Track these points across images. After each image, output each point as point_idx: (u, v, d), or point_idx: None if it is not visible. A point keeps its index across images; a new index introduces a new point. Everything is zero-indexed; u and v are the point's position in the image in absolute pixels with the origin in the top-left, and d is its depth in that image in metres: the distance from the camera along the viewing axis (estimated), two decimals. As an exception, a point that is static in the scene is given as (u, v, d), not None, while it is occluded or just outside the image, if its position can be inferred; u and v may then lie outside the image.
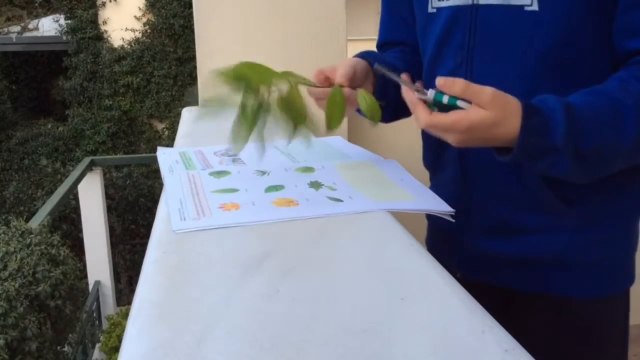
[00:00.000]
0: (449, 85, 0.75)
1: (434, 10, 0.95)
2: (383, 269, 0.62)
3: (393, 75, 0.84)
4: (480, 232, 0.95)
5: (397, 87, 0.85)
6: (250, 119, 0.80)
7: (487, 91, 0.74)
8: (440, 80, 0.76)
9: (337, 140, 1.18)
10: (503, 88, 0.77)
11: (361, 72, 0.94)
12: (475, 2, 0.88)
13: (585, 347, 0.94)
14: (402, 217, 0.78)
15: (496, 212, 0.93)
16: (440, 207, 0.81)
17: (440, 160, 1.01)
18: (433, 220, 1.06)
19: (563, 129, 0.75)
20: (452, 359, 0.47)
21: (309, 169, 0.95)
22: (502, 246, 0.93)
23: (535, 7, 0.82)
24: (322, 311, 0.54)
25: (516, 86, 0.82)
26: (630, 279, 0.96)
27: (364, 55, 1.00)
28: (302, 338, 0.50)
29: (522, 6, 0.83)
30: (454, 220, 0.81)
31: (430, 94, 0.78)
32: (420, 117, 0.78)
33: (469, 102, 0.75)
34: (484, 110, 0.74)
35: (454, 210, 0.80)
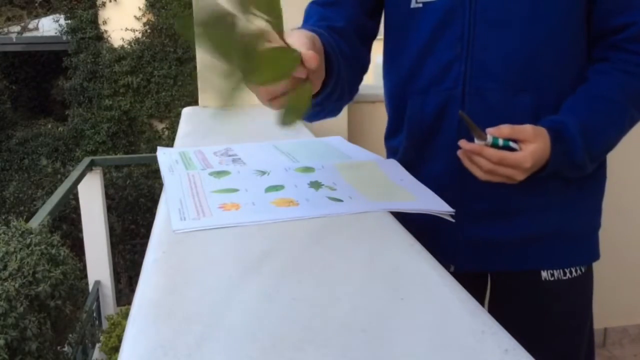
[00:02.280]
0: (498, 131, 0.87)
1: (420, 5, 0.94)
2: (383, 269, 0.62)
3: (476, 129, 0.88)
4: (473, 218, 0.98)
5: (348, 71, 0.88)
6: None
7: (528, 128, 0.87)
8: (489, 130, 0.87)
9: (337, 140, 1.18)
10: (506, 75, 0.90)
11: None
12: None
13: (562, 317, 1.03)
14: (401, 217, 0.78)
15: (492, 197, 0.96)
16: (441, 207, 0.81)
17: (427, 153, 1.00)
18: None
19: (582, 151, 0.90)
20: (452, 359, 0.47)
21: (309, 169, 0.94)
22: (494, 230, 0.98)
23: None
24: (322, 311, 0.54)
25: (519, 71, 0.90)
26: (597, 252, 1.06)
27: (310, 30, 0.87)
28: (302, 338, 0.50)
29: None
30: (454, 220, 0.81)
31: (489, 139, 0.87)
32: (492, 155, 0.86)
33: (515, 141, 0.87)
34: (534, 144, 0.86)
35: (454, 210, 0.80)
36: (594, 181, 1.01)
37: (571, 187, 0.97)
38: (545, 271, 1.00)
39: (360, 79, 1.02)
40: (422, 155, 1.02)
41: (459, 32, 0.92)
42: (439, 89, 0.95)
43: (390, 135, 1.11)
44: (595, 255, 1.05)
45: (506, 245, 0.99)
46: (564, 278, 1.00)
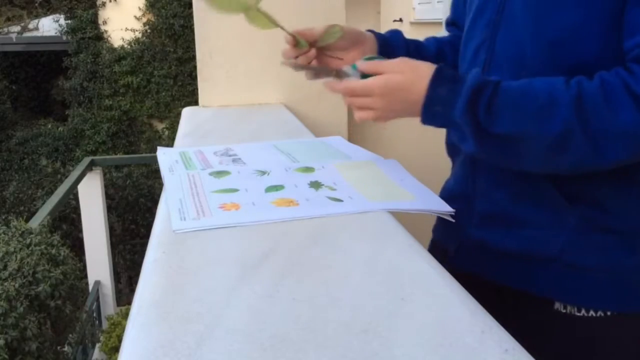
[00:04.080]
0: (364, 66, 0.84)
1: None
2: (383, 269, 0.62)
3: (297, 68, 0.94)
4: (480, 219, 0.93)
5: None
6: None
7: (395, 60, 0.81)
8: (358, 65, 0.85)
9: (337, 140, 1.18)
10: (517, 72, 0.80)
11: (348, 36, 0.99)
12: None
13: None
14: (402, 217, 0.78)
15: (497, 200, 0.91)
16: (441, 207, 0.81)
17: (457, 146, 0.97)
18: None
19: (463, 104, 0.76)
20: (452, 359, 0.47)
21: (309, 169, 0.94)
22: (498, 237, 0.90)
23: None
24: (322, 311, 0.54)
25: (532, 71, 0.81)
26: (635, 304, 0.87)
27: (387, 32, 1.06)
28: (302, 338, 0.50)
29: None
30: (454, 221, 0.81)
31: (347, 69, 0.88)
32: (338, 85, 0.85)
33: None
34: (396, 74, 0.81)
35: (454, 210, 0.80)
36: (619, 220, 0.84)
37: (584, 215, 0.84)
38: (558, 302, 0.87)
39: None
40: (454, 149, 1.03)
41: (489, 17, 0.90)
42: None
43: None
44: (626, 304, 0.86)
45: (511, 258, 0.90)
46: (579, 314, 0.86)
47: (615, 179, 0.82)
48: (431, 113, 0.80)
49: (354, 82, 0.85)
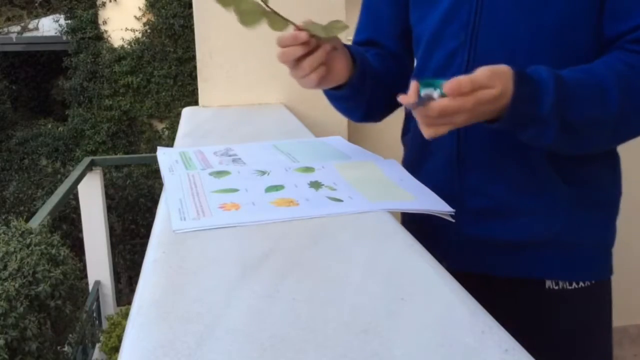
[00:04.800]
0: (456, 89, 0.74)
1: None
2: (383, 269, 0.62)
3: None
4: (472, 216, 0.94)
5: (374, 78, 0.95)
6: None
7: (483, 72, 0.76)
8: (448, 89, 0.75)
9: (337, 140, 1.18)
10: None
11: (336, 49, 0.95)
12: None
13: (571, 332, 0.97)
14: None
15: (491, 195, 0.92)
16: (441, 207, 0.81)
17: (427, 150, 0.99)
18: None
19: (552, 99, 0.78)
20: (452, 359, 0.47)
21: (309, 169, 0.94)
22: (493, 230, 0.93)
23: None
24: (322, 311, 0.54)
25: (521, 63, 0.82)
26: (611, 270, 1.00)
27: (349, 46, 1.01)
28: (302, 338, 0.50)
29: None
30: (454, 220, 0.81)
31: (430, 91, 0.77)
32: (433, 107, 0.75)
33: None
34: (489, 89, 0.75)
35: (454, 210, 0.80)
36: (604, 194, 0.95)
37: (579, 195, 0.91)
38: (550, 280, 0.95)
39: (392, 101, 0.94)
40: (423, 152, 1.02)
41: (465, 19, 0.90)
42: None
43: (403, 132, 1.11)
44: (605, 272, 0.98)
45: (506, 248, 0.94)
46: (570, 287, 0.95)
47: (606, 155, 0.91)
48: (517, 114, 0.78)
49: (447, 103, 0.75)
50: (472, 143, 0.93)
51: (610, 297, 1.01)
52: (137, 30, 9.58)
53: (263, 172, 0.92)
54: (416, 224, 0.88)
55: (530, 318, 0.95)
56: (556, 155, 0.88)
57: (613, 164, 0.96)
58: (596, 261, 0.97)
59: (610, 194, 0.96)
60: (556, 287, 0.95)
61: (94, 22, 9.61)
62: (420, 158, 1.03)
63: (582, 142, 0.85)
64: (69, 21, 9.63)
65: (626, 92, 0.81)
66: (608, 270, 1.00)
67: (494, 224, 0.94)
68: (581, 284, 0.95)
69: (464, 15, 0.90)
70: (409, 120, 1.07)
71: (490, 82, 0.76)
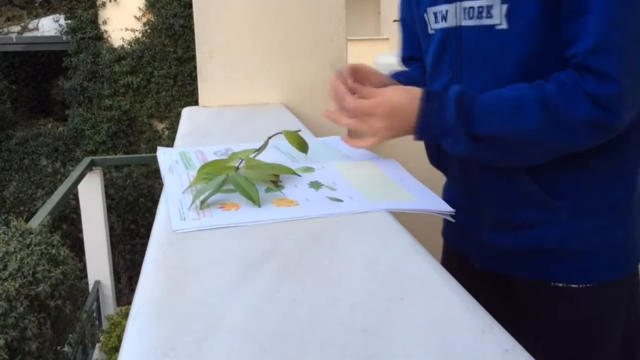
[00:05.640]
0: (370, 92, 0.95)
1: (433, 31, 1.06)
2: (383, 269, 0.62)
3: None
4: (488, 227, 1.04)
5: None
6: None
7: (389, 87, 0.95)
8: (364, 92, 0.96)
9: (337, 141, 1.18)
10: None
11: (368, 74, 1.10)
12: (458, 24, 0.99)
13: (586, 332, 1.00)
14: (402, 217, 0.78)
15: (498, 211, 1.02)
16: (441, 207, 0.81)
17: (443, 161, 1.12)
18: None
19: (453, 112, 0.89)
20: (452, 359, 0.47)
21: (309, 169, 0.95)
22: (506, 240, 1.02)
23: (504, 26, 0.92)
24: (322, 311, 0.54)
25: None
26: (630, 268, 1.01)
27: (392, 75, 1.19)
28: (302, 338, 0.50)
29: (493, 25, 0.93)
30: (454, 220, 0.82)
31: None
32: (348, 101, 0.95)
33: None
34: (394, 96, 0.92)
35: (454, 210, 0.80)
36: (605, 200, 0.97)
37: (572, 207, 0.96)
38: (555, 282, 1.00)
39: None
40: (440, 164, 1.14)
41: (450, 58, 1.02)
42: None
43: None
44: (618, 272, 1.00)
45: (513, 254, 1.02)
46: (574, 286, 0.98)
47: (591, 163, 0.93)
48: (426, 125, 0.91)
49: (362, 101, 0.94)
50: (471, 168, 1.03)
51: (635, 294, 1.01)
52: (137, 30, 9.59)
53: (263, 172, 0.92)
54: (456, 231, 1.08)
55: (536, 315, 1.02)
56: (536, 171, 0.94)
57: (616, 166, 0.96)
58: (604, 264, 0.98)
59: (615, 197, 0.97)
60: (560, 285, 0.99)
61: (94, 22, 9.61)
62: (440, 165, 1.14)
63: (503, 153, 0.91)
64: (69, 21, 9.64)
65: (548, 108, 0.85)
66: (623, 269, 1.00)
67: (504, 233, 1.02)
68: (588, 284, 0.98)
69: (449, 56, 1.02)
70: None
71: (395, 91, 0.94)
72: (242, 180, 0.81)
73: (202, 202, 0.78)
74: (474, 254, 1.09)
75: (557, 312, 1.00)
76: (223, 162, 0.91)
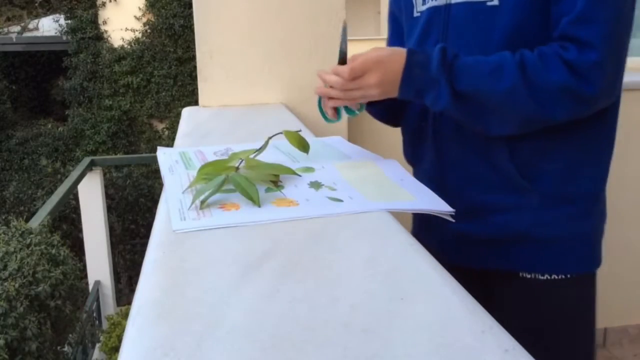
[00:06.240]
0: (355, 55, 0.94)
1: (419, 14, 1.07)
2: (383, 269, 0.62)
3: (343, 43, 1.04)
4: (458, 215, 0.97)
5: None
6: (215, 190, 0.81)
7: (370, 49, 0.95)
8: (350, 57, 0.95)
9: (337, 141, 1.18)
10: None
11: None
12: (448, 2, 0.99)
13: (554, 323, 1.01)
14: (402, 218, 0.78)
15: (469, 195, 1.02)
16: (441, 206, 0.81)
17: (419, 151, 1.12)
18: None
19: (437, 62, 0.90)
20: (452, 359, 0.47)
21: (309, 169, 0.95)
22: (476, 228, 1.02)
23: (495, 2, 0.94)
24: (322, 311, 0.54)
25: None
26: (596, 262, 1.03)
27: None
28: (302, 338, 0.50)
29: (484, 1, 0.95)
30: (454, 220, 0.81)
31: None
32: (342, 70, 0.93)
33: None
34: (372, 52, 0.93)
35: (454, 210, 0.80)
36: (577, 189, 0.99)
37: (545, 192, 0.98)
38: (523, 272, 1.01)
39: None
40: (414, 156, 1.15)
41: (436, 37, 1.02)
42: None
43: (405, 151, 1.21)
44: (584, 265, 1.02)
45: (484, 243, 1.02)
46: (542, 278, 1.00)
47: (569, 151, 0.96)
48: (411, 76, 0.92)
49: (351, 65, 0.93)
50: (447, 148, 1.04)
51: (593, 291, 1.04)
52: (137, 30, 9.58)
53: (263, 172, 0.92)
54: (423, 222, 1.07)
55: (504, 307, 0.99)
56: (517, 152, 0.96)
57: (591, 158, 0.99)
58: (571, 254, 1.00)
59: (587, 188, 1.00)
60: (528, 277, 1.01)
61: (94, 22, 9.61)
62: (414, 157, 1.15)
63: (480, 113, 0.92)
64: (69, 21, 9.63)
65: (524, 72, 0.88)
66: (589, 263, 1.03)
67: (472, 221, 1.02)
68: (554, 276, 1.00)
69: (435, 34, 1.03)
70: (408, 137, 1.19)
71: (372, 49, 0.94)
72: (242, 180, 0.81)
73: (202, 202, 0.78)
74: (445, 247, 1.06)
75: (526, 305, 1.02)
76: (223, 162, 0.91)
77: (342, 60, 1.00)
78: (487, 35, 0.95)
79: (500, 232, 1.01)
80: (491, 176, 0.99)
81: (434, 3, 1.02)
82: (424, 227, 1.14)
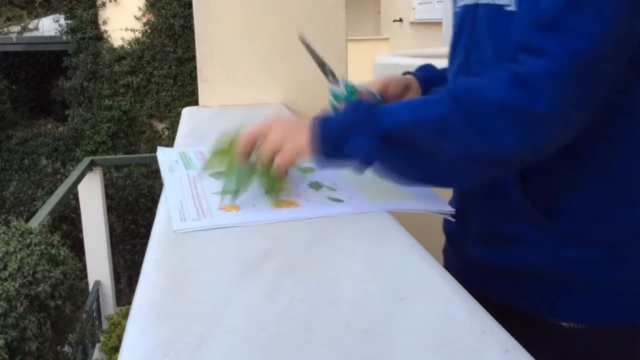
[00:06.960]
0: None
1: (458, 9, 0.99)
2: (383, 269, 0.62)
3: (315, 56, 1.02)
4: (476, 237, 0.93)
5: None
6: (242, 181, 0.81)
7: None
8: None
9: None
10: None
11: (396, 84, 1.06)
12: (476, 1, 0.90)
13: None
14: (403, 218, 0.78)
15: (485, 220, 0.91)
16: (441, 206, 0.81)
17: None
18: (444, 225, 1.06)
19: (351, 110, 0.80)
20: (452, 359, 0.47)
21: (309, 170, 0.95)
22: (492, 255, 0.91)
23: (513, 8, 0.82)
24: (322, 311, 0.54)
25: None
26: (633, 313, 0.86)
27: (417, 69, 1.13)
28: (302, 338, 0.50)
29: (503, 6, 0.84)
30: (454, 220, 0.81)
31: (342, 84, 0.99)
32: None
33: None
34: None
35: (454, 210, 0.80)
36: (605, 233, 0.83)
37: (566, 231, 0.84)
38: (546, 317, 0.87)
39: None
40: None
41: (466, 38, 0.94)
42: None
43: None
44: (615, 317, 0.85)
45: (502, 275, 0.90)
46: (564, 325, 0.85)
47: (597, 187, 0.82)
48: (325, 126, 0.80)
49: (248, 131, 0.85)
50: None
51: (636, 346, 0.88)
52: (137, 30, 9.58)
53: (263, 172, 0.92)
54: (448, 242, 1.02)
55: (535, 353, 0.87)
56: (533, 185, 0.84)
57: (623, 195, 0.83)
58: (598, 303, 0.85)
59: (619, 228, 0.83)
60: (551, 321, 0.86)
61: (94, 22, 9.60)
62: None
63: (416, 154, 0.77)
64: (69, 21, 9.63)
65: (455, 96, 0.77)
66: (621, 315, 0.86)
67: (491, 248, 0.91)
68: (579, 325, 0.85)
69: (466, 35, 0.94)
70: None
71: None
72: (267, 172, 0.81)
73: (236, 192, 0.80)
74: (463, 269, 0.92)
75: (548, 353, 0.84)
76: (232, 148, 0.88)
77: (330, 71, 1.00)
78: (502, 42, 0.86)
79: (515, 264, 0.88)
80: (506, 205, 0.87)
81: (466, 1, 0.95)
82: (448, 251, 1.05)
